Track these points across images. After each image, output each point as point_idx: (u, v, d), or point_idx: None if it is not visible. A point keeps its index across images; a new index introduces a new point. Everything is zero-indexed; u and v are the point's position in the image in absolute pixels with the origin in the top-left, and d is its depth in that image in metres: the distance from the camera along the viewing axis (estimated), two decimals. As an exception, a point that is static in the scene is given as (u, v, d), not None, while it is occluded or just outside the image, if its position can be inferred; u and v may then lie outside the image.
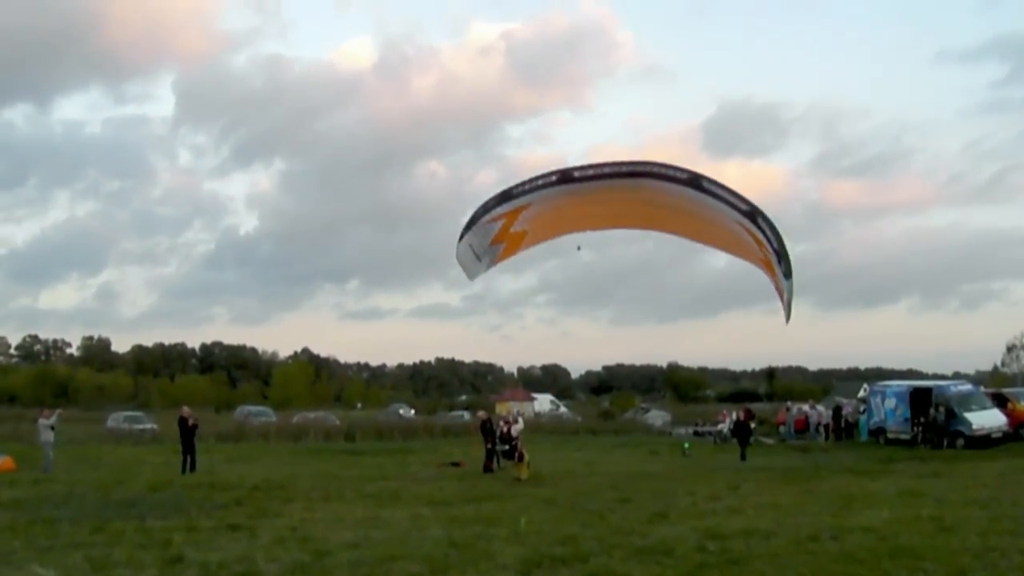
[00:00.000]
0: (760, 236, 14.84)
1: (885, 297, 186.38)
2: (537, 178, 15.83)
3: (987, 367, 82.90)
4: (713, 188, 14.97)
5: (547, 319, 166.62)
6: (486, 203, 16.28)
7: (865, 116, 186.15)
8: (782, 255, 14.71)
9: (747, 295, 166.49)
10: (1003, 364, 78.72)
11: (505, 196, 15.98)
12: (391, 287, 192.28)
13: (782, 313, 15.78)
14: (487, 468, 23.63)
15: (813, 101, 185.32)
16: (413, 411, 73.19)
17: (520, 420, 23.16)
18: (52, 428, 24.81)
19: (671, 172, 15.26)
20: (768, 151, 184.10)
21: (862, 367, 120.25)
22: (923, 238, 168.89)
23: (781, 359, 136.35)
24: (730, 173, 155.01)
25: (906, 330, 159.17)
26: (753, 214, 14.76)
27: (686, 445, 33.88)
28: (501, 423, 23.29)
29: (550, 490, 18.59)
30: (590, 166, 15.86)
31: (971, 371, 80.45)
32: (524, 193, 15.81)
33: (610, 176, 15.48)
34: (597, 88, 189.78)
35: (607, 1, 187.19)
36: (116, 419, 46.47)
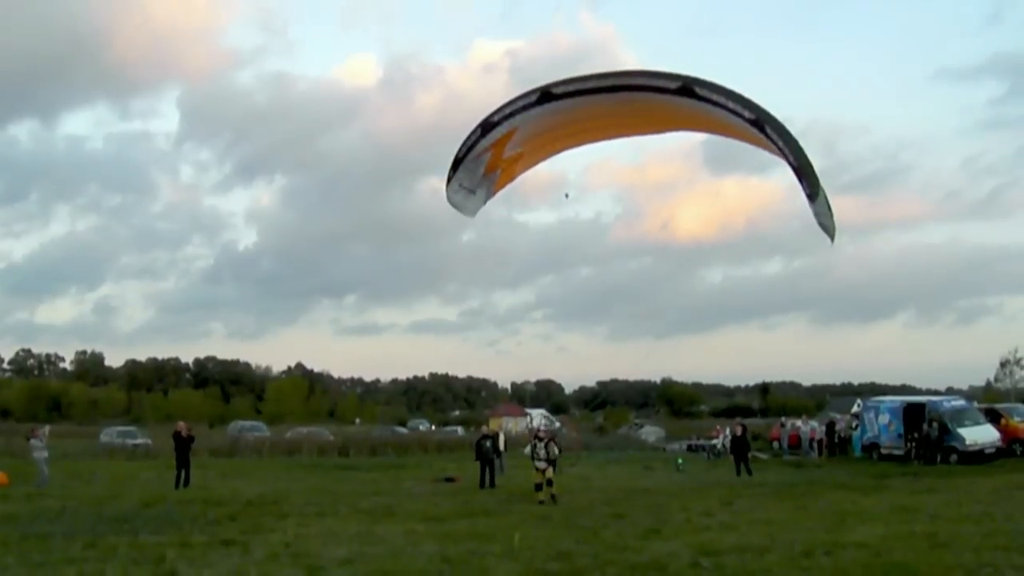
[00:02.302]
0: (772, 148, 12.88)
1: (880, 312, 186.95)
2: (516, 100, 14.41)
3: (980, 383, 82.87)
4: (709, 95, 12.95)
5: (543, 334, 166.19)
6: (467, 139, 14.93)
7: (864, 133, 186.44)
8: (804, 172, 12.50)
9: (741, 311, 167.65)
10: (996, 380, 78.52)
11: (486, 127, 14.63)
12: (389, 303, 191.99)
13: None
14: (482, 484, 23.68)
15: (812, 118, 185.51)
16: (433, 427, 74.14)
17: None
18: (44, 448, 24.83)
19: (659, 83, 13.35)
20: (766, 168, 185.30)
21: (856, 382, 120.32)
22: (919, 254, 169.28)
23: (775, 374, 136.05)
24: (729, 189, 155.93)
25: (900, 345, 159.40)
26: (760, 122, 12.68)
27: (680, 460, 33.88)
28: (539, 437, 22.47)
29: (544, 506, 18.60)
30: (571, 80, 14.17)
31: (964, 387, 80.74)
32: (506, 119, 14.45)
33: (593, 92, 13.88)
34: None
35: (610, 20, 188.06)
36: (109, 434, 46.21)
